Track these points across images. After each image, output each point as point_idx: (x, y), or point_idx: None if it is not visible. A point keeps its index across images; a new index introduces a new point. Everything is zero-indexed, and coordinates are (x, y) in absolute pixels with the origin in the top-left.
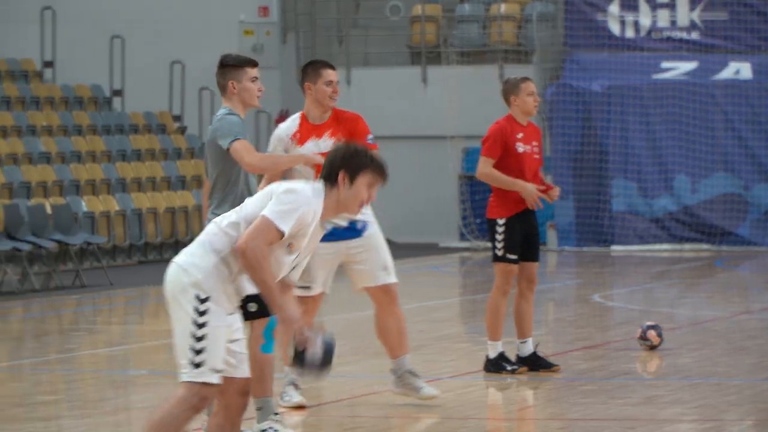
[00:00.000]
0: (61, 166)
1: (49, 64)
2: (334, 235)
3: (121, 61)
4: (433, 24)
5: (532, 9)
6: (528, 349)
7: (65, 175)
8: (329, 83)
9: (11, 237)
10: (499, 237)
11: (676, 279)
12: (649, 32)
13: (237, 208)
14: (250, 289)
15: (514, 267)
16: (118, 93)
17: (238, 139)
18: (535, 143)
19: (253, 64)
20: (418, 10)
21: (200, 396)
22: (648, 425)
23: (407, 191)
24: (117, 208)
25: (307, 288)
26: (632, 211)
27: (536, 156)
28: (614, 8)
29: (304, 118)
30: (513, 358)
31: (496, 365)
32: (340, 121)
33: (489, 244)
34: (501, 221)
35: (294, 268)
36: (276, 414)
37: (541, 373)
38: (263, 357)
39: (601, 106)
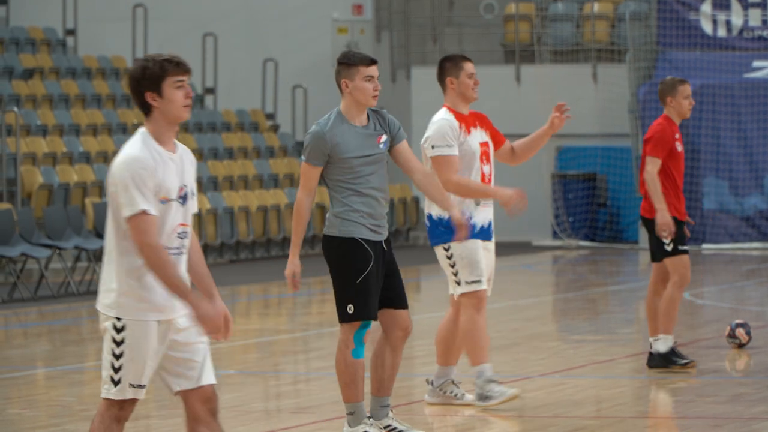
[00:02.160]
0: None
1: None
2: (483, 232)
3: (213, 59)
4: (526, 22)
5: (625, 8)
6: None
7: None
8: (471, 75)
9: (101, 236)
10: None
11: (766, 277)
12: (741, 31)
13: None
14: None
15: (687, 258)
16: (210, 91)
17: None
18: (682, 145)
19: (368, 62)
20: (511, 8)
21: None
22: (735, 423)
23: None
24: (209, 206)
25: (479, 282)
26: (723, 210)
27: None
28: (706, 7)
29: (452, 110)
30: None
31: (666, 359)
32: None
33: (585, 243)
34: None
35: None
36: (369, 417)
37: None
38: (354, 362)
39: (693, 105)
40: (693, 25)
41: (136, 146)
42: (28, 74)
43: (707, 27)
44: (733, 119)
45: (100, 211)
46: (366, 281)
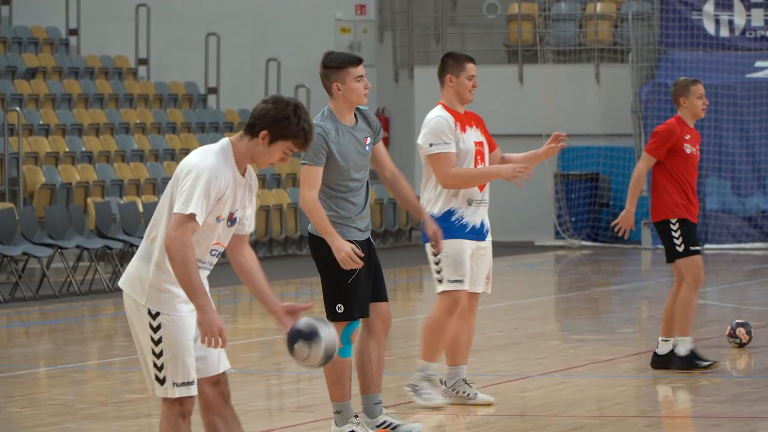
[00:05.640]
0: (155, 164)
1: (143, 62)
2: (475, 232)
3: (216, 59)
4: (529, 23)
5: (628, 8)
6: (667, 348)
7: (158, 172)
8: (471, 77)
9: (102, 235)
10: (675, 234)
11: None
12: (744, 31)
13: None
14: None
15: (699, 258)
16: (213, 91)
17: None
18: (697, 146)
19: (356, 62)
20: (514, 8)
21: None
22: (735, 422)
23: (503, 189)
24: None
25: (460, 282)
26: (725, 210)
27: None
28: (709, 7)
29: (448, 108)
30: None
31: (687, 362)
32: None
33: (587, 243)
34: (674, 221)
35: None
36: (356, 416)
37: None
38: (341, 360)
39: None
40: (696, 25)
41: (221, 160)
42: (31, 74)
43: (710, 27)
44: (736, 119)
45: (102, 211)
46: (356, 282)
